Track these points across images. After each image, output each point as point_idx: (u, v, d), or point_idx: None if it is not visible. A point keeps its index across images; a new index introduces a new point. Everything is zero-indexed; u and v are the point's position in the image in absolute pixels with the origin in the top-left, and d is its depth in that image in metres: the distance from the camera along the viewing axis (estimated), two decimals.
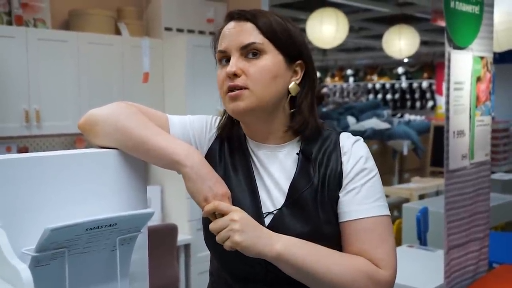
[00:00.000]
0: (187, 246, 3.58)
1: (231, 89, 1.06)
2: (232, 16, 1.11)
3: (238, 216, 0.97)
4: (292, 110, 1.12)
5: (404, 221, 3.40)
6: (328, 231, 1.07)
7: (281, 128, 1.12)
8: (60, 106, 3.25)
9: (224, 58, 1.10)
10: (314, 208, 1.07)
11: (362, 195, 1.07)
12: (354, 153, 1.11)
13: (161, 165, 1.03)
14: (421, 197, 4.57)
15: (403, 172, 7.12)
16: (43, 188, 0.91)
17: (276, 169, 1.12)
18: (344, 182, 1.09)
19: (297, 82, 1.11)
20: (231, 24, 1.10)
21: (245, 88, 1.05)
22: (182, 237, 3.47)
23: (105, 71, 3.46)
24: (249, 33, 1.07)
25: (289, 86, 1.10)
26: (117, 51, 3.51)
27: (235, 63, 1.06)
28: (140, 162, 1.06)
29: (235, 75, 1.05)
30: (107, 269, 0.96)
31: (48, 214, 0.91)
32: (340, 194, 1.08)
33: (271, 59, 1.07)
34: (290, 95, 1.11)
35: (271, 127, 1.12)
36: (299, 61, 1.12)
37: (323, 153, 1.11)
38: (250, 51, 1.07)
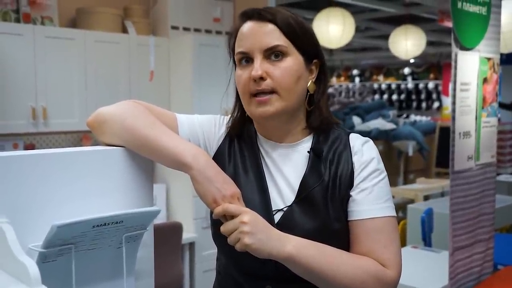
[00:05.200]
0: (192, 244, 3.59)
1: (258, 93, 1.06)
2: (250, 15, 1.10)
3: (247, 218, 0.97)
4: (310, 108, 1.14)
5: (409, 222, 3.39)
6: (337, 228, 1.09)
7: (299, 126, 1.15)
8: (66, 103, 3.26)
9: (245, 58, 1.09)
10: (324, 205, 1.08)
11: (374, 195, 1.09)
12: (365, 153, 1.13)
13: (167, 166, 1.04)
14: (426, 198, 4.55)
15: (408, 172, 7.11)
16: (50, 185, 0.92)
17: (288, 167, 1.13)
18: (356, 181, 1.10)
19: (313, 80, 1.14)
20: (251, 24, 1.09)
21: (272, 92, 1.06)
22: (187, 235, 3.48)
23: (111, 69, 3.47)
24: (272, 35, 1.07)
25: (308, 85, 1.13)
26: (123, 49, 3.52)
27: (260, 66, 1.06)
28: (147, 160, 1.07)
29: (261, 79, 1.06)
30: (113, 266, 0.96)
31: (55, 211, 0.92)
32: (352, 193, 1.10)
33: (294, 60, 1.08)
34: (308, 94, 1.13)
35: (289, 127, 1.14)
36: (315, 60, 1.14)
37: (334, 152, 1.13)
38: (274, 53, 1.07)
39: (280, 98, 1.07)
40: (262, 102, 1.07)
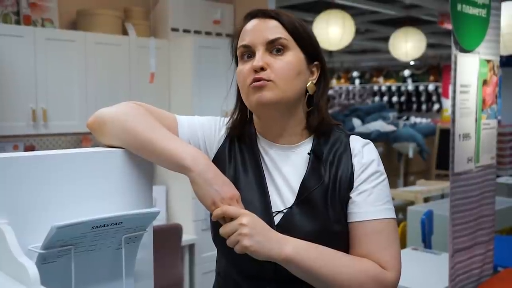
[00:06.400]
0: (191, 246, 3.59)
1: (256, 80, 1.08)
2: (255, 14, 1.13)
3: (246, 220, 0.98)
4: (309, 109, 1.15)
5: (409, 224, 3.39)
6: (337, 230, 1.09)
7: (297, 126, 1.15)
8: (66, 105, 3.27)
9: (247, 53, 1.11)
10: (323, 207, 1.09)
11: (373, 197, 1.09)
12: (365, 155, 1.13)
13: (167, 168, 1.04)
14: (426, 200, 4.55)
15: (408, 174, 7.11)
16: (50, 186, 0.92)
17: (288, 168, 1.13)
18: (356, 183, 1.11)
19: (314, 82, 1.15)
20: (255, 21, 1.12)
21: (270, 81, 1.07)
22: (187, 237, 3.47)
23: (112, 71, 3.47)
24: (275, 29, 1.10)
25: (307, 85, 1.14)
26: (124, 51, 3.52)
27: (261, 57, 1.08)
28: (147, 162, 1.07)
29: (261, 69, 1.07)
30: (112, 267, 0.96)
31: (55, 212, 0.92)
32: (352, 195, 1.10)
33: (295, 56, 1.10)
34: (307, 94, 1.14)
35: (288, 124, 1.14)
36: (316, 62, 1.16)
37: (334, 154, 1.13)
38: (275, 47, 1.09)
39: (276, 86, 1.07)
40: (258, 87, 1.07)
